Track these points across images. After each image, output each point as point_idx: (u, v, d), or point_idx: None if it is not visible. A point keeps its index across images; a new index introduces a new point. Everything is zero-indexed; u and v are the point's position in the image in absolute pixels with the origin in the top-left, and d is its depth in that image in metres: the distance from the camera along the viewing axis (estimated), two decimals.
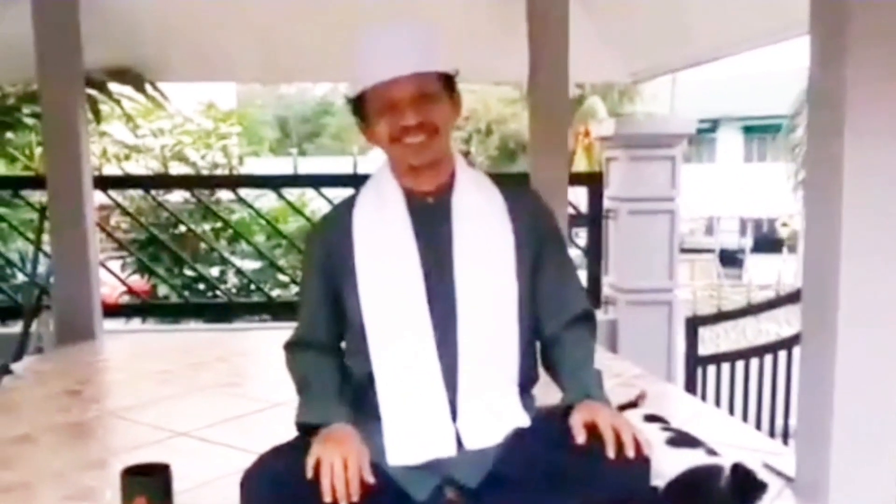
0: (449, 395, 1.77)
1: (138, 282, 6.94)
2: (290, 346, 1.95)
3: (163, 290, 6.92)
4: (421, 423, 1.76)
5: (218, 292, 6.69)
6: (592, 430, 1.66)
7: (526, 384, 1.90)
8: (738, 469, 2.02)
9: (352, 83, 1.81)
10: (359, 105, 1.84)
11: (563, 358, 1.88)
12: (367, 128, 1.85)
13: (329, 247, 1.88)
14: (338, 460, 1.60)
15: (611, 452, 1.62)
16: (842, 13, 2.09)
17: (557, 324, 1.90)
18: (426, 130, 1.77)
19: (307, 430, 1.75)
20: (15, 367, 3.75)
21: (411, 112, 1.75)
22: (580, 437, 1.65)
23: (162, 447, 2.61)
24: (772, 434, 4.66)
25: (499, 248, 1.83)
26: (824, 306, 2.15)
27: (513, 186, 1.95)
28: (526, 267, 1.85)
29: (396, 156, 1.83)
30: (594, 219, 5.45)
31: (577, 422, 1.69)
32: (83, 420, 2.98)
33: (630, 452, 1.62)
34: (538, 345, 1.95)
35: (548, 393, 1.93)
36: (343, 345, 1.94)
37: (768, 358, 4.94)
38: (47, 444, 2.72)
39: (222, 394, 3.35)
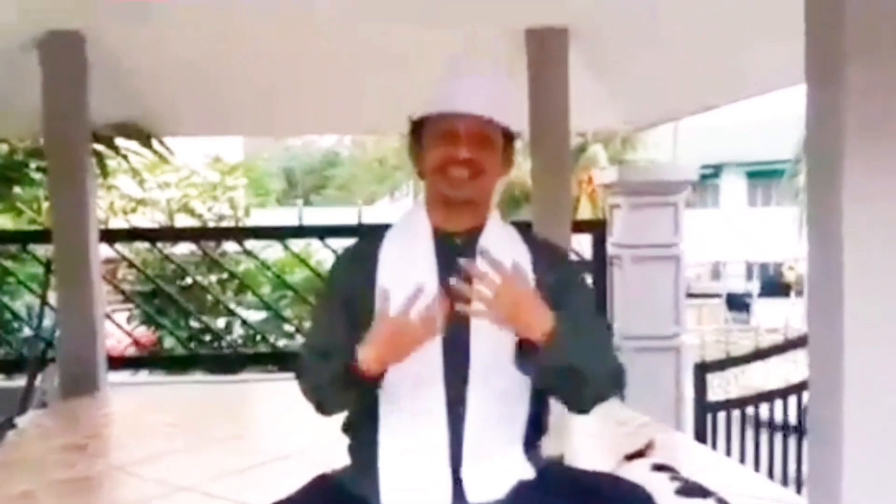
0: (454, 446, 1.75)
1: (144, 333, 6.95)
2: (301, 367, 1.87)
3: (169, 341, 6.92)
4: (420, 475, 1.74)
5: (223, 343, 6.68)
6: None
7: (533, 438, 1.87)
8: None
9: (425, 105, 1.81)
10: (417, 128, 1.85)
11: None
12: (417, 152, 1.86)
13: (352, 277, 1.86)
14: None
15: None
16: (837, 62, 2.11)
17: None
18: (472, 168, 1.78)
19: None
20: (19, 421, 3.73)
21: (466, 148, 1.76)
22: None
23: (166, 502, 2.59)
24: (784, 482, 4.60)
25: None
26: (830, 352, 2.14)
27: (542, 244, 1.95)
28: None
29: (436, 185, 1.83)
30: (598, 266, 5.46)
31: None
32: (87, 475, 2.97)
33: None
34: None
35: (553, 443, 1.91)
36: None
37: (779, 403, 4.91)
38: (49, 501, 2.70)
39: (227, 447, 3.32)
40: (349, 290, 1.85)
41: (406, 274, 1.79)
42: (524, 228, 1.98)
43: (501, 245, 1.84)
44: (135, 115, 4.77)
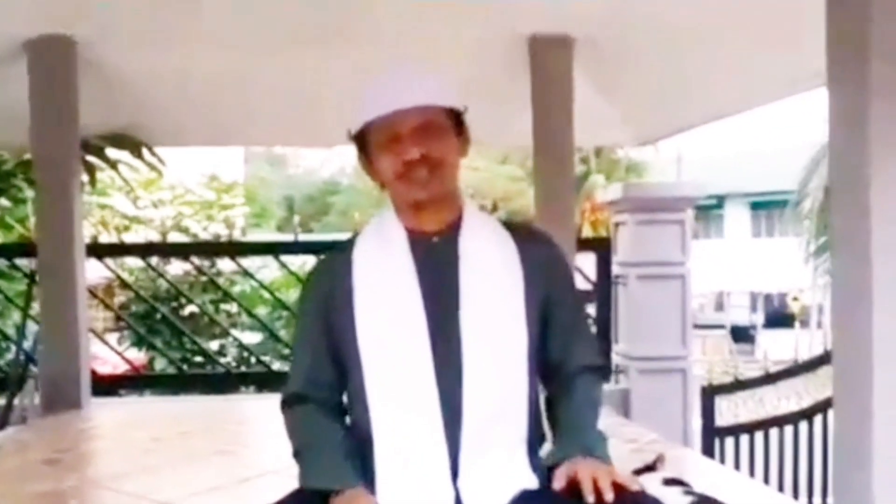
0: (451, 452, 1.63)
1: (136, 356, 6.80)
2: (288, 403, 1.79)
3: (160, 363, 6.77)
4: (418, 483, 1.63)
5: (218, 366, 6.54)
6: (574, 484, 1.53)
7: (534, 442, 1.75)
8: None
9: (355, 118, 1.72)
10: (362, 142, 1.75)
11: (568, 412, 1.74)
12: (369, 165, 1.77)
13: (327, 290, 1.76)
14: None
15: (589, 499, 1.49)
16: (860, 61, 2.00)
17: (564, 376, 1.78)
18: (430, 164, 1.68)
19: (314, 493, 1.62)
20: None
21: (414, 145, 1.66)
22: (557, 484, 1.54)
23: None
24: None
25: (508, 295, 1.71)
26: (858, 370, 2.00)
27: (525, 231, 1.85)
28: (536, 316, 1.74)
29: (400, 192, 1.73)
30: (602, 285, 5.31)
31: (560, 472, 1.56)
32: (59, 489, 2.81)
33: (609, 496, 1.49)
34: (543, 398, 1.80)
35: None
36: (345, 398, 1.80)
37: (788, 429, 4.75)
38: None
39: (212, 462, 3.19)
40: (326, 302, 1.75)
41: (383, 277, 1.71)
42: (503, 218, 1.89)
43: (483, 238, 1.75)
44: (125, 124, 4.66)
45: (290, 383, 1.80)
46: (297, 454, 1.72)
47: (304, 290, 1.86)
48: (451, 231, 1.74)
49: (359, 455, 1.68)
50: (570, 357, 1.78)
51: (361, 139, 1.75)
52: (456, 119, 1.74)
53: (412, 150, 1.66)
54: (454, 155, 1.74)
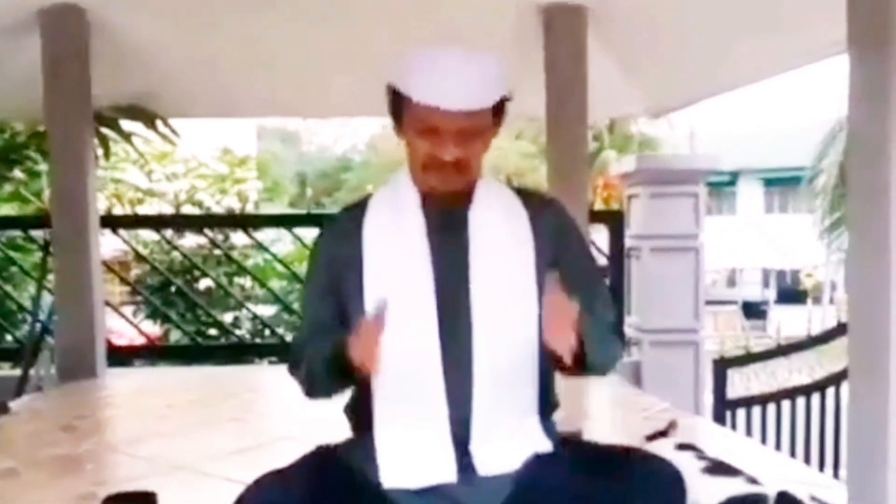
0: (462, 419, 1.63)
1: (150, 329, 6.84)
2: (296, 363, 1.78)
3: (175, 335, 6.81)
4: (418, 444, 1.63)
5: (232, 338, 6.58)
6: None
7: (546, 409, 1.75)
8: (784, 498, 1.83)
9: (403, 83, 1.63)
10: (398, 100, 1.67)
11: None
12: (399, 128, 1.70)
13: (337, 253, 1.75)
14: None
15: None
16: (885, 31, 1.96)
17: None
18: (461, 165, 1.64)
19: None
20: (13, 405, 3.61)
21: (452, 146, 1.61)
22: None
23: (157, 480, 2.45)
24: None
25: (519, 263, 1.71)
26: (874, 342, 1.99)
27: (538, 199, 1.83)
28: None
29: (421, 179, 1.69)
30: (615, 258, 5.29)
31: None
32: (75, 454, 2.84)
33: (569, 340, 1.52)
34: None
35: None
36: None
37: (801, 402, 4.74)
38: (33, 479, 2.58)
39: (227, 428, 3.21)
40: (335, 267, 1.75)
41: (394, 246, 1.70)
42: (520, 188, 1.85)
43: (494, 207, 1.74)
44: (135, 93, 4.64)
45: (297, 340, 1.81)
46: (307, 375, 1.71)
47: (314, 251, 1.85)
48: (465, 198, 1.72)
49: (355, 418, 1.70)
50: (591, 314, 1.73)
51: (398, 96, 1.66)
52: (499, 103, 1.67)
53: (450, 151, 1.61)
54: (486, 150, 1.69)
